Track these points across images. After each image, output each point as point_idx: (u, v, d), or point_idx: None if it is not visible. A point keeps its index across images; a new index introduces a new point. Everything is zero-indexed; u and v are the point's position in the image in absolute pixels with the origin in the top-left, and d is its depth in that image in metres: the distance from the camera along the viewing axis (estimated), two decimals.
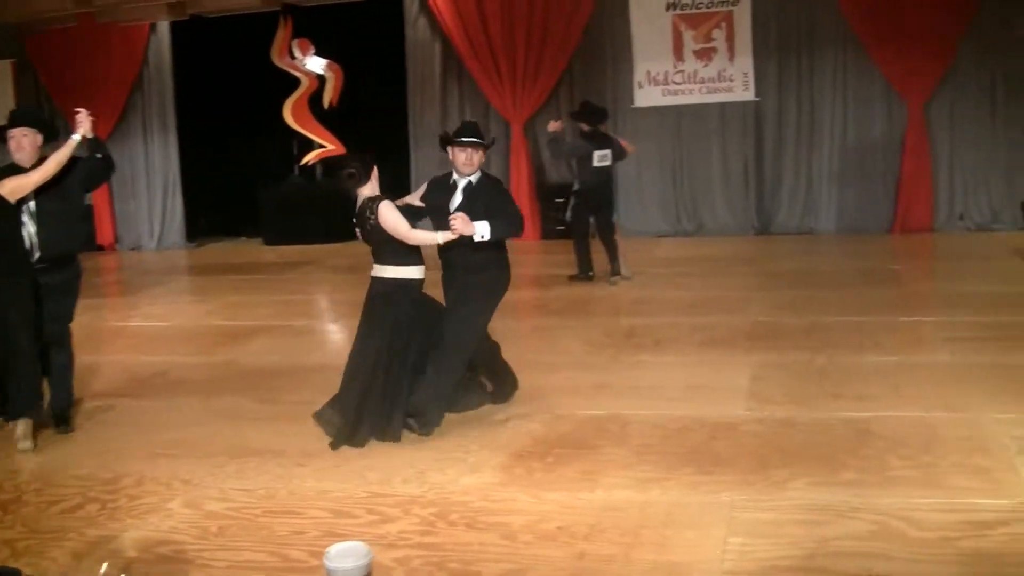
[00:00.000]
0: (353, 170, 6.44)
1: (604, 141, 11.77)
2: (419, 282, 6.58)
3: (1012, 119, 14.57)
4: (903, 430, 6.24)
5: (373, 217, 6.35)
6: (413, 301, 6.55)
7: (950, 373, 7.45)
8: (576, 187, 11.84)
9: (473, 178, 6.76)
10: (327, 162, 15.12)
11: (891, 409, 6.69)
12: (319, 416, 6.71)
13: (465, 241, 6.40)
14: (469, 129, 6.84)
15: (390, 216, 6.34)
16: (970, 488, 5.39)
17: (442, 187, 6.82)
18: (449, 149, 6.78)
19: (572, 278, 11.79)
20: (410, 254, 6.49)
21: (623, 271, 11.86)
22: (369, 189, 6.50)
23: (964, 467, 5.67)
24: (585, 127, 11.80)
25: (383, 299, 6.49)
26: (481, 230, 6.40)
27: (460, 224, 6.30)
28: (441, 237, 6.36)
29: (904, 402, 6.84)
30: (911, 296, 10.77)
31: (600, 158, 11.59)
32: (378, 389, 6.45)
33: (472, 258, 6.67)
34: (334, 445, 6.42)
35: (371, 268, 6.60)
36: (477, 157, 6.71)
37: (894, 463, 5.75)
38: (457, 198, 6.74)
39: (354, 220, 6.59)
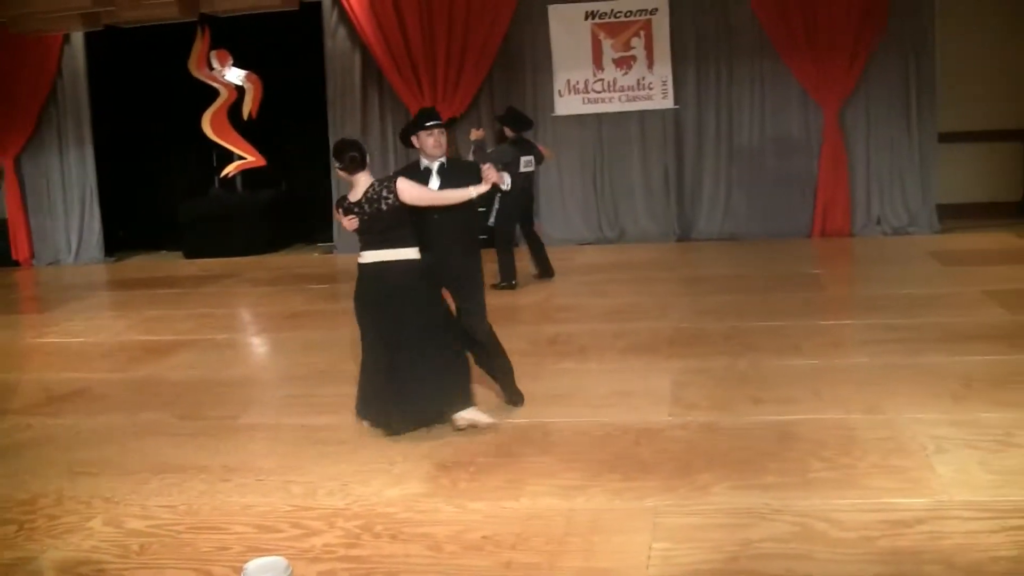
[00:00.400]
0: (356, 153, 6.59)
1: (527, 147, 11.89)
2: (420, 262, 6.69)
3: (925, 123, 14.82)
4: (823, 432, 6.34)
5: (391, 196, 6.48)
6: (427, 282, 6.72)
7: (869, 375, 7.56)
8: (501, 194, 11.87)
9: (443, 159, 6.93)
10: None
11: (812, 412, 6.78)
12: (366, 415, 6.85)
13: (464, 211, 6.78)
14: (431, 114, 7.03)
15: (412, 187, 6.56)
16: (889, 488, 5.49)
17: (414, 175, 6.82)
18: (414, 138, 6.93)
19: (495, 286, 11.78)
20: (412, 236, 6.64)
21: (533, 271, 12.23)
22: (367, 175, 6.63)
23: (883, 467, 5.78)
24: (510, 133, 11.89)
25: (397, 285, 6.59)
26: (506, 180, 6.79)
27: (494, 173, 6.66)
28: (475, 190, 6.58)
29: (824, 405, 6.94)
30: (830, 300, 10.92)
31: (525, 164, 11.76)
32: (400, 375, 6.61)
33: (467, 239, 7.03)
34: (395, 431, 6.71)
35: (360, 256, 6.68)
36: (444, 139, 6.93)
37: (815, 465, 5.84)
38: (435, 180, 6.86)
39: (341, 208, 6.67)
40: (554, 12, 15.34)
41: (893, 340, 8.49)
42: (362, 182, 6.60)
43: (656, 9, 15.12)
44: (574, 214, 15.67)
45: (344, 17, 15.75)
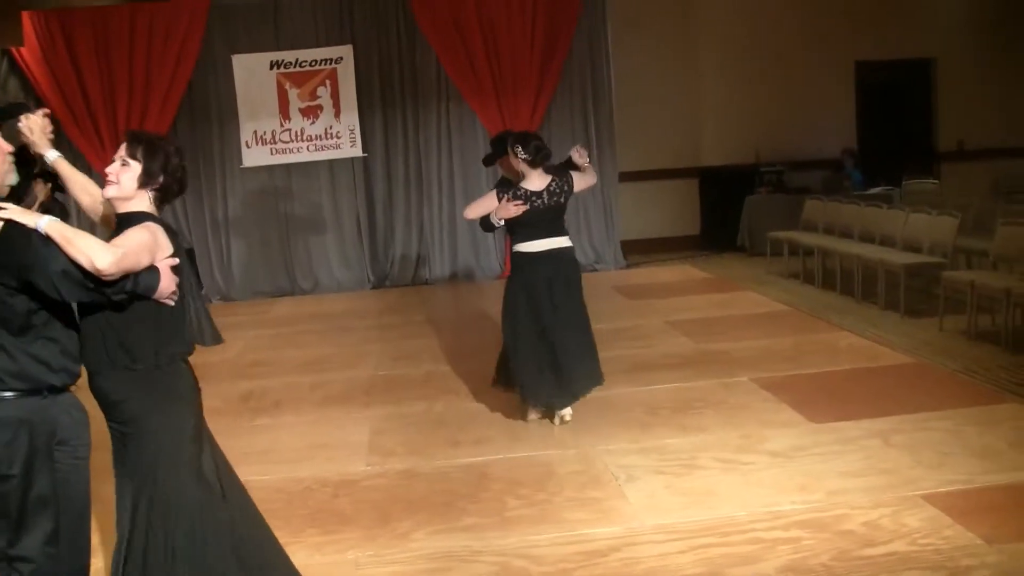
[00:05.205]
0: (542, 145, 7.32)
1: None
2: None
3: (606, 164, 15.36)
4: (519, 470, 6.43)
5: (569, 190, 7.33)
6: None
7: None
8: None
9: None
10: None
11: (507, 451, 6.88)
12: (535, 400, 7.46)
13: None
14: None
15: (579, 178, 7.46)
16: (584, 520, 5.62)
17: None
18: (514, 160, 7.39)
19: None
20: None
21: None
22: (541, 170, 7.32)
23: (578, 500, 5.91)
24: None
25: (570, 270, 7.48)
26: None
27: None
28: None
29: (519, 443, 7.06)
30: None
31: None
32: (568, 352, 7.33)
33: None
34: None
35: (527, 245, 7.29)
36: None
37: (512, 503, 5.91)
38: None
39: (510, 193, 7.22)
40: (238, 62, 15.07)
41: None
42: (537, 175, 7.25)
43: (341, 58, 15.10)
44: (266, 266, 15.39)
45: (15, 68, 14.96)
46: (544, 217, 7.23)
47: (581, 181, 7.45)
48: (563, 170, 7.47)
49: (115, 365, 4.02)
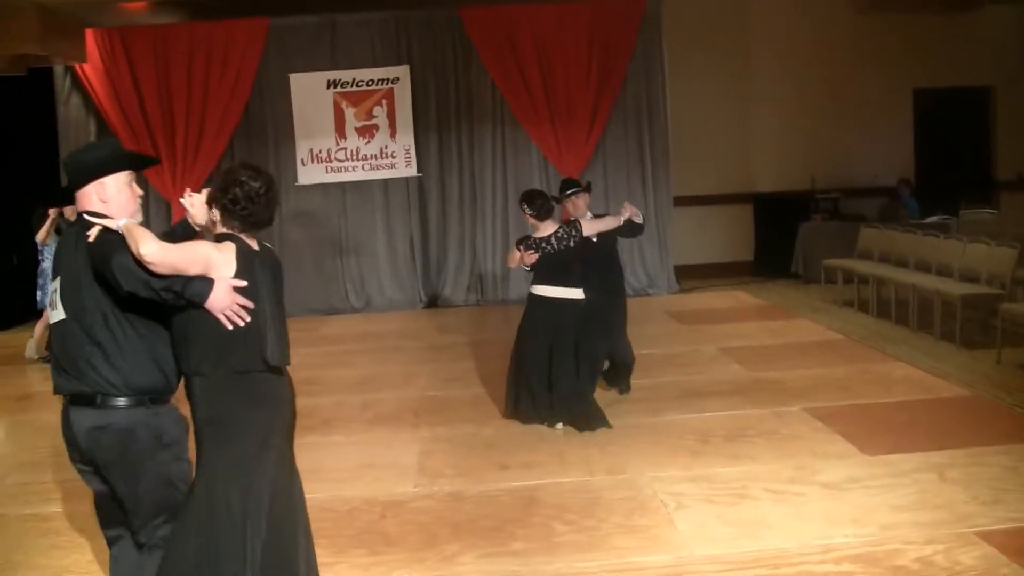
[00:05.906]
0: (545, 202, 8.18)
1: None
2: (584, 302, 8.21)
3: (660, 188, 15.35)
4: (567, 496, 6.39)
5: (577, 235, 8.08)
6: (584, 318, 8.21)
7: (611, 436, 7.70)
8: None
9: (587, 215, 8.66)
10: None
11: (555, 476, 6.84)
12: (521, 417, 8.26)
13: None
14: (571, 183, 8.81)
15: (589, 223, 8.31)
16: (632, 547, 5.57)
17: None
18: (567, 203, 8.67)
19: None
20: (579, 278, 8.17)
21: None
22: (552, 221, 8.17)
23: (626, 527, 5.87)
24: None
25: (565, 319, 8.06)
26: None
27: (631, 207, 8.71)
28: (616, 220, 8.55)
29: (568, 468, 7.01)
30: None
31: None
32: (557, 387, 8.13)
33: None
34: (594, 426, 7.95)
35: (536, 288, 8.17)
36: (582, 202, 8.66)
37: (560, 528, 5.88)
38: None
39: (523, 245, 8.14)
40: (296, 81, 15.19)
41: (633, 400, 8.67)
42: (547, 226, 8.10)
43: (398, 78, 15.19)
44: (319, 284, 15.45)
45: (77, 84, 15.19)
46: (553, 261, 8.05)
47: (589, 227, 8.27)
48: (572, 220, 8.30)
49: (196, 372, 4.26)
